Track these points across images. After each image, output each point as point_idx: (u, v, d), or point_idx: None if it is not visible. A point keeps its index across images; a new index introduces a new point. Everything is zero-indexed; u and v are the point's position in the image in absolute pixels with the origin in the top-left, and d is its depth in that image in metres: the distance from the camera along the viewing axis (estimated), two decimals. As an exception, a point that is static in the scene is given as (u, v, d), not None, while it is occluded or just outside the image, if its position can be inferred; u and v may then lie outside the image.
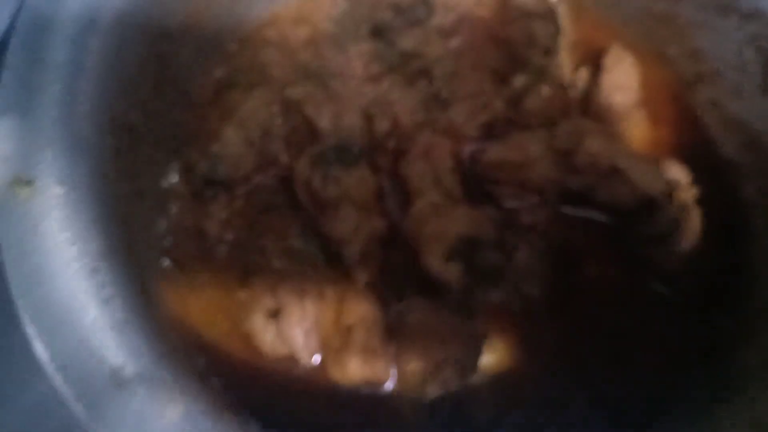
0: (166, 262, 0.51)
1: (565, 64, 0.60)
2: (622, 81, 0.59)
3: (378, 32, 0.62)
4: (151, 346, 0.38)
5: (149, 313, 0.40)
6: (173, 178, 0.54)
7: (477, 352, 0.51)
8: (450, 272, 0.52)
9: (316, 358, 0.51)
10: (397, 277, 0.53)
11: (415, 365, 0.51)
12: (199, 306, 0.51)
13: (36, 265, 0.37)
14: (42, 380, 0.48)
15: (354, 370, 0.50)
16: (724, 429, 0.43)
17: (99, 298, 0.38)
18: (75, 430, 0.48)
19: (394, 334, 0.51)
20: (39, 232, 0.38)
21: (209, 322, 0.50)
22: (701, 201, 0.55)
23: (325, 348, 0.51)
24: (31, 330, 0.36)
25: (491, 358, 0.51)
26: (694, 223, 0.54)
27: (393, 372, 0.51)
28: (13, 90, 0.40)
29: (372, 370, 0.50)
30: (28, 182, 0.39)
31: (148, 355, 0.37)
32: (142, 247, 0.46)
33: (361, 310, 0.51)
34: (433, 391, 0.50)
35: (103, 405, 0.35)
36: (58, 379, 0.35)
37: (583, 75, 0.61)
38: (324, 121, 0.57)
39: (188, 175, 0.55)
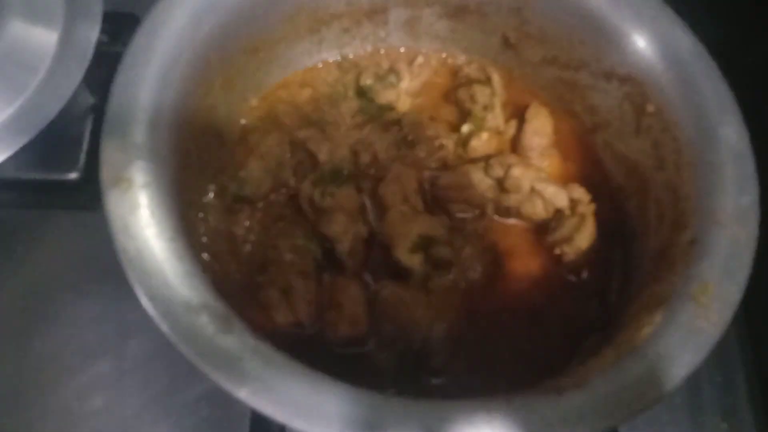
0: (205, 255, 0.60)
1: (499, 116, 0.68)
2: (540, 128, 0.67)
3: (361, 93, 0.69)
4: (208, 289, 0.48)
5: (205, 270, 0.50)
6: (211, 195, 0.63)
7: (432, 318, 0.59)
8: (413, 261, 0.60)
9: (316, 325, 0.58)
10: (375, 266, 0.61)
11: (388, 329, 0.59)
12: (229, 286, 0.57)
13: (133, 233, 0.47)
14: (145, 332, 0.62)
15: (343, 333, 0.57)
16: (605, 366, 0.49)
17: (176, 256, 0.47)
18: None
19: (373, 307, 0.59)
20: (134, 212, 0.48)
21: (236, 297, 0.53)
22: (596, 213, 0.63)
23: (322, 317, 0.58)
24: (131, 276, 0.46)
25: (443, 322, 0.59)
26: (590, 229, 0.62)
27: (371, 334, 0.58)
28: (116, 124, 0.51)
29: (356, 333, 0.58)
30: (127, 179, 0.49)
31: (207, 293, 0.47)
32: (191, 240, 0.53)
33: (348, 289, 0.59)
34: (400, 345, 0.58)
35: (179, 323, 0.45)
36: (150, 307, 0.45)
37: (512, 124, 0.68)
38: (322, 154, 0.65)
39: (222, 193, 0.63)
